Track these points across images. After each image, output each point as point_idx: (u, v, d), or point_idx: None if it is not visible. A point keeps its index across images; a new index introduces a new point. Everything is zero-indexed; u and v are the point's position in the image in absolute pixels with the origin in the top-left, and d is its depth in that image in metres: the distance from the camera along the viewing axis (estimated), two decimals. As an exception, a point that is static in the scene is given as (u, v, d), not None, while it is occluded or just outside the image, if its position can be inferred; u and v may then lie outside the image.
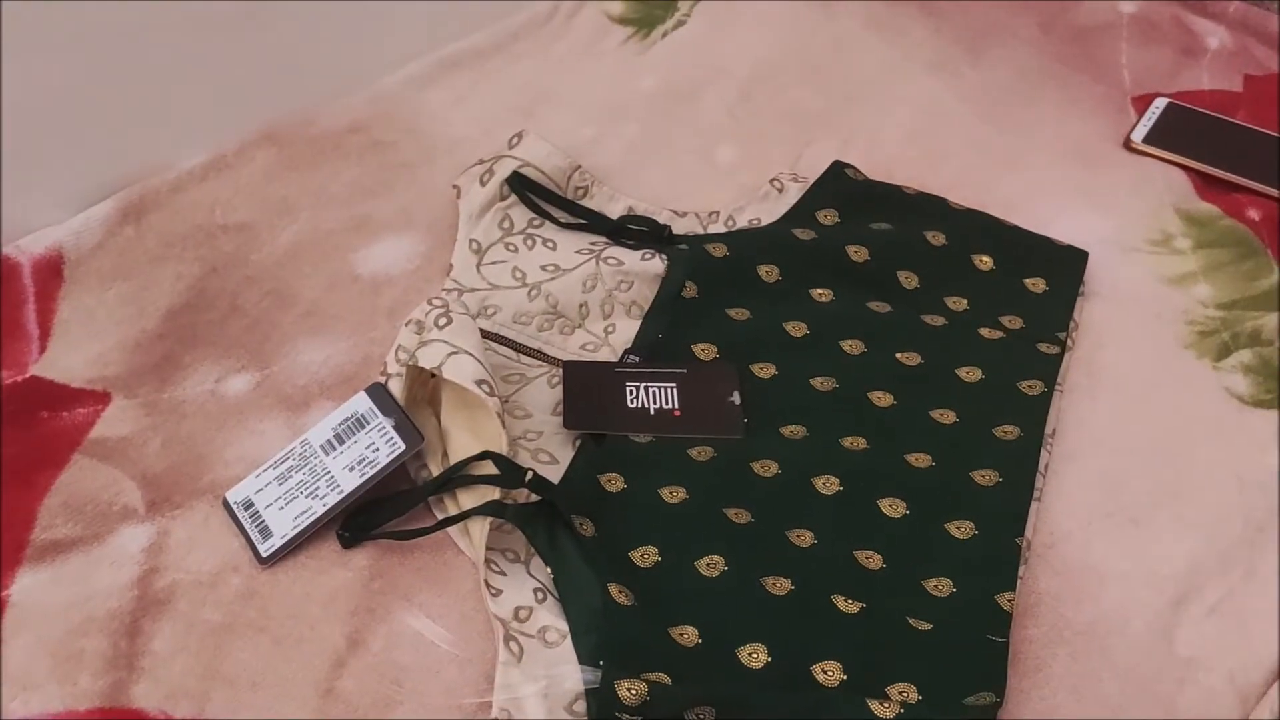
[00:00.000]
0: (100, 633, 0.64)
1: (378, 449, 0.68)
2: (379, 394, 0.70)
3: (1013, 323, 0.79)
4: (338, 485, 0.68)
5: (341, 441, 0.69)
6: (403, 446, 0.68)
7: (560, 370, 0.75)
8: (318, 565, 0.67)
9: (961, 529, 0.67)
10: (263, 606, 0.65)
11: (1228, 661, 0.64)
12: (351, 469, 0.68)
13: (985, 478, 0.70)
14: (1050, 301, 0.80)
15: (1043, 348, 0.77)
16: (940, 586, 0.65)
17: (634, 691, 0.57)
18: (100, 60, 0.80)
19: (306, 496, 0.68)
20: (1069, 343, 0.78)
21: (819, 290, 0.79)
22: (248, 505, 0.68)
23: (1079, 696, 0.63)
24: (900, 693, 0.59)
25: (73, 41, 0.78)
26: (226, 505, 0.69)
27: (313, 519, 0.67)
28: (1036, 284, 0.81)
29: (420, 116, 0.94)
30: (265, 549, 0.67)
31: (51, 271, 0.81)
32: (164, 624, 0.64)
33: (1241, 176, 0.90)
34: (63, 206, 0.83)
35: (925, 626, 0.63)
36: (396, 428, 0.68)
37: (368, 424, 0.69)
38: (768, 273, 0.79)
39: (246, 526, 0.68)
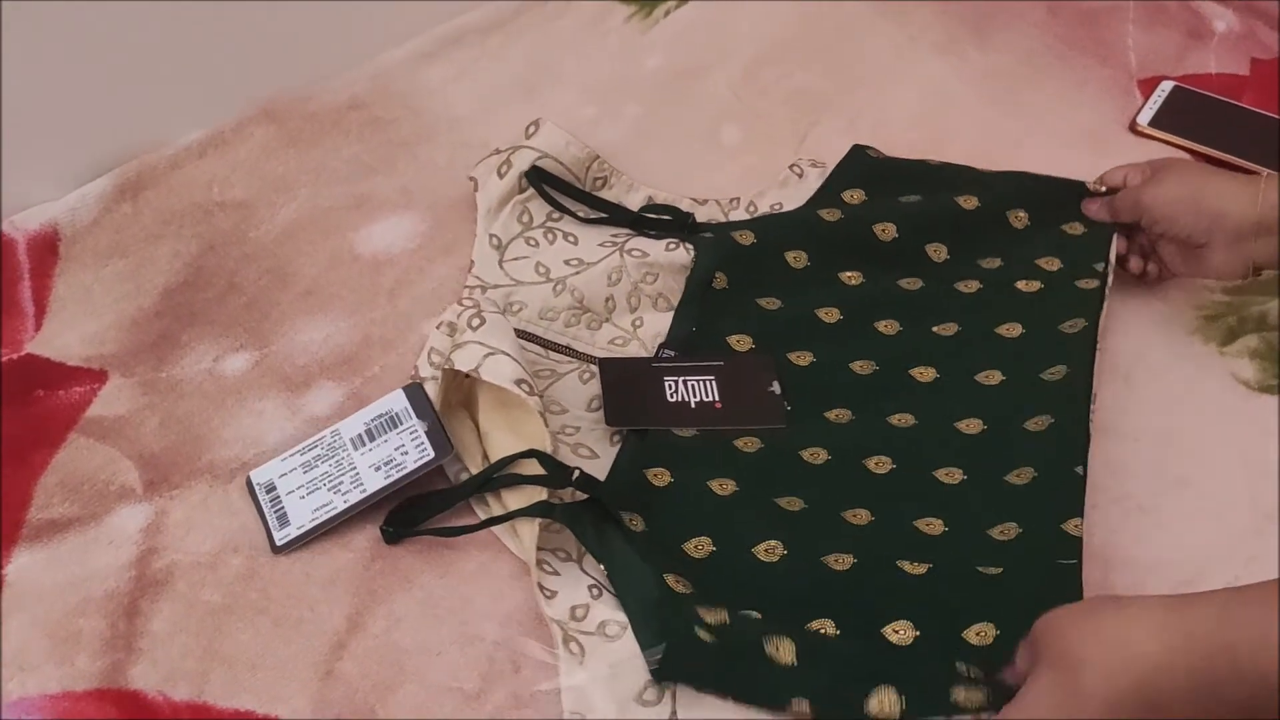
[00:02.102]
0: (98, 613, 0.63)
1: (406, 452, 0.67)
2: (416, 395, 0.69)
3: (1050, 264, 0.78)
4: (361, 483, 0.66)
5: (372, 438, 0.68)
6: (431, 455, 0.66)
7: (591, 366, 0.74)
8: (318, 546, 0.66)
9: (1021, 475, 0.67)
10: (262, 588, 0.64)
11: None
12: (378, 469, 0.67)
13: (1038, 424, 0.69)
14: (1087, 240, 0.80)
15: (1082, 284, 0.76)
16: (1005, 531, 0.65)
17: (714, 620, 0.58)
18: (97, 35, 0.79)
19: (329, 490, 0.67)
20: (1109, 278, 0.77)
21: (848, 273, 0.79)
22: (270, 488, 0.68)
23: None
24: (978, 634, 0.59)
25: (68, 16, 0.77)
26: (249, 484, 0.68)
27: (332, 514, 0.66)
28: (1074, 228, 0.80)
29: (421, 93, 0.93)
30: (280, 537, 0.66)
31: (47, 248, 0.80)
32: (162, 605, 0.63)
33: (1247, 160, 0.89)
34: (59, 183, 0.82)
35: (995, 571, 0.63)
36: (428, 434, 0.67)
37: (400, 424, 0.68)
38: (796, 259, 0.78)
39: (265, 510, 0.67)
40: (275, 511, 0.66)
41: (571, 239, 0.80)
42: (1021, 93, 0.96)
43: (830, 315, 0.76)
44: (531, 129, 0.83)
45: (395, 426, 0.68)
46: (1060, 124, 0.93)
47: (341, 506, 0.66)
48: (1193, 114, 0.93)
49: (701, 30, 1.00)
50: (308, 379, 0.74)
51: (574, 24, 0.99)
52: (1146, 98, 0.94)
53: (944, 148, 0.90)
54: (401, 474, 0.66)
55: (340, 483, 0.67)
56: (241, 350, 0.76)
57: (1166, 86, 0.95)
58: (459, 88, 0.94)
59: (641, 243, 0.79)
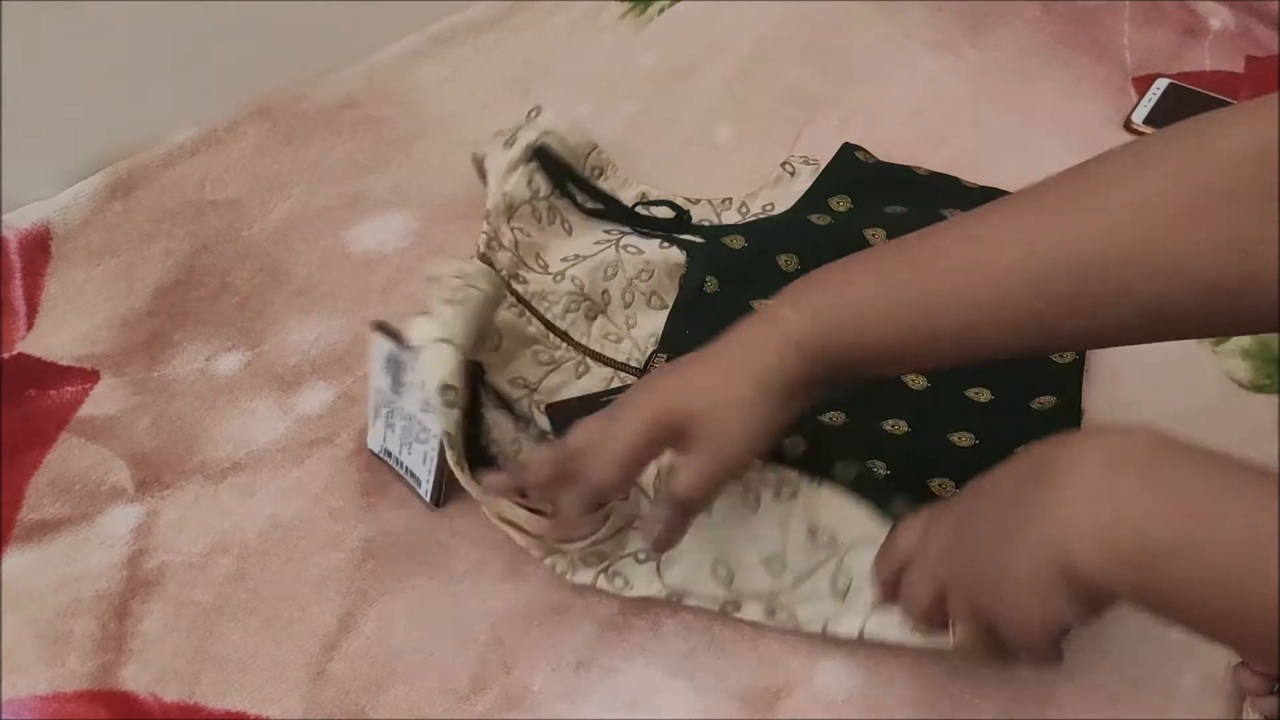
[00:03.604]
0: (89, 614, 0.63)
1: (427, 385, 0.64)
2: (387, 331, 0.64)
3: None
4: (428, 430, 0.64)
5: (397, 381, 0.64)
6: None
7: (584, 359, 0.74)
8: (309, 546, 0.66)
9: None
10: (253, 588, 0.64)
11: (1225, 650, 0.63)
12: (425, 407, 0.63)
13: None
14: None
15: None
16: None
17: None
18: (88, 33, 0.79)
19: (416, 442, 0.66)
20: None
21: None
22: (387, 454, 0.68)
23: (1077, 685, 0.62)
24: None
25: (60, 15, 0.77)
26: (373, 454, 0.69)
27: (433, 461, 0.65)
28: None
29: (414, 92, 0.93)
30: (425, 495, 0.67)
31: (39, 247, 0.80)
32: (153, 605, 0.63)
33: (1243, 159, 0.89)
34: (50, 181, 0.82)
35: None
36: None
37: (400, 360, 0.63)
38: (786, 261, 0.78)
39: (399, 473, 0.68)
40: (407, 473, 0.68)
41: (567, 227, 0.80)
42: (1016, 90, 0.96)
43: None
44: (533, 113, 0.83)
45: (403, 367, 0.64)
46: (1055, 122, 0.93)
47: (435, 454, 0.65)
48: (1188, 112, 0.90)
49: (695, 28, 1.00)
50: (299, 378, 0.74)
51: (568, 22, 0.99)
52: (1141, 95, 0.94)
53: (938, 145, 0.90)
54: None
55: (417, 432, 0.66)
56: (233, 350, 0.76)
57: (1161, 84, 0.95)
58: (453, 86, 0.94)
59: (636, 240, 0.79)
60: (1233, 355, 0.77)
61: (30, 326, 0.76)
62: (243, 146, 0.87)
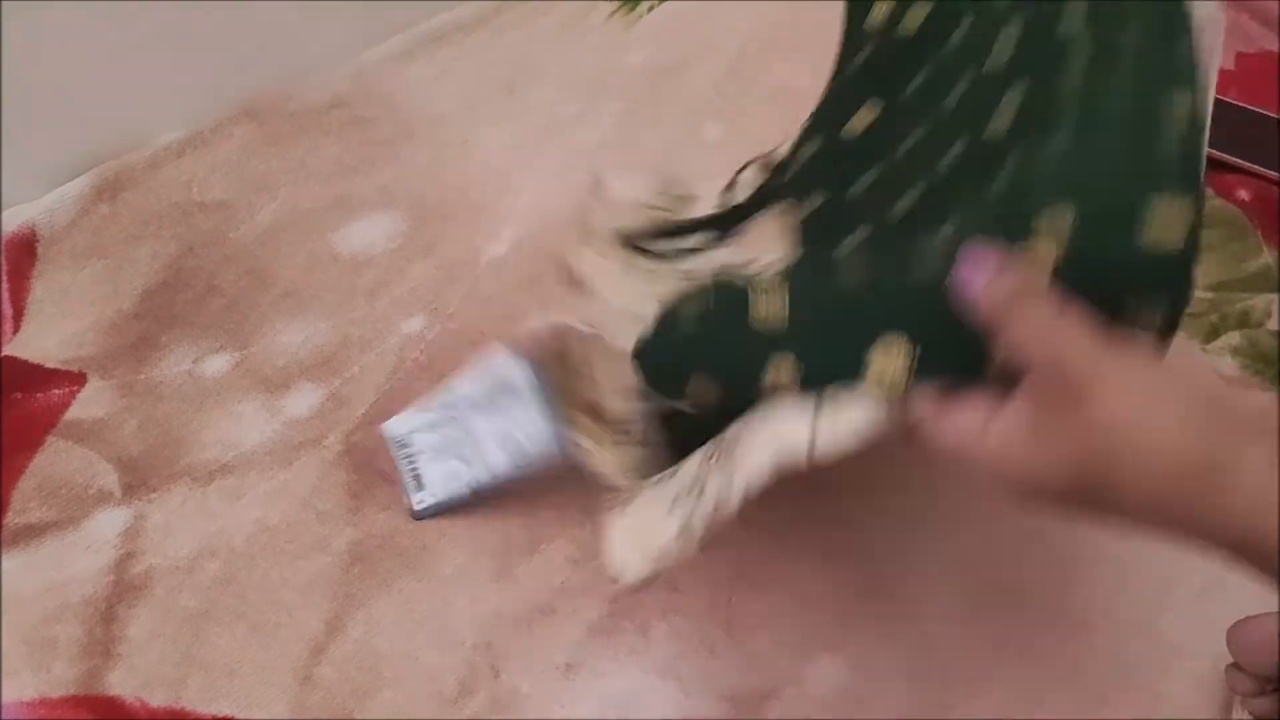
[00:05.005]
0: (75, 619, 0.63)
1: (528, 434, 0.62)
2: (535, 369, 0.63)
3: None
4: (486, 461, 0.63)
5: (491, 401, 0.63)
6: (555, 447, 0.61)
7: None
8: (296, 550, 0.66)
9: None
10: (241, 593, 0.64)
11: (1213, 647, 0.63)
12: (503, 445, 0.62)
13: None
14: None
15: None
16: None
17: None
18: (74, 34, 0.79)
19: (456, 458, 0.64)
20: None
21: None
22: (403, 444, 0.66)
23: (1064, 683, 0.62)
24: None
25: (44, 15, 0.77)
26: (385, 437, 0.67)
27: (460, 485, 0.63)
28: None
29: (402, 92, 0.93)
30: (417, 501, 0.65)
31: (24, 249, 0.79)
32: (140, 610, 0.63)
33: (1232, 156, 0.89)
34: (36, 183, 0.81)
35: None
36: (545, 414, 0.62)
37: (518, 392, 0.62)
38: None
39: (400, 467, 0.65)
40: (410, 470, 0.65)
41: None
42: (1006, 88, 0.95)
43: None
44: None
45: (512, 393, 0.62)
46: (1044, 119, 0.93)
47: (469, 478, 0.63)
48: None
49: (684, 27, 0.99)
50: (287, 380, 0.74)
51: (556, 21, 0.99)
52: (1131, 93, 0.94)
53: (928, 144, 0.90)
54: (525, 460, 0.63)
55: (464, 452, 0.63)
56: (221, 352, 0.75)
57: (1151, 81, 0.95)
58: (440, 86, 0.93)
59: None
60: (1221, 352, 0.77)
61: (16, 330, 0.76)
62: (229, 148, 0.87)
